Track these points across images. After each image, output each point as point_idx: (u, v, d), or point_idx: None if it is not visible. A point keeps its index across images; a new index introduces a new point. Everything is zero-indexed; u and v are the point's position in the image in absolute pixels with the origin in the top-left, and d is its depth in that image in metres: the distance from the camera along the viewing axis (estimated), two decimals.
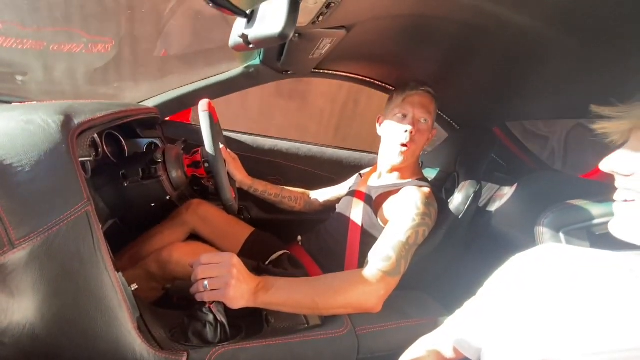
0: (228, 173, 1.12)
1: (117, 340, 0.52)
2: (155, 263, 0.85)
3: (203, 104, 0.87)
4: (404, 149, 0.94)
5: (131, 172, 0.82)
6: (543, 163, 1.38)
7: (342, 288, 0.70)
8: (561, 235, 0.77)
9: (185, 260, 0.84)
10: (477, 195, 1.03)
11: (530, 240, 0.82)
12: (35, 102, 0.91)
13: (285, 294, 0.67)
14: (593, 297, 0.40)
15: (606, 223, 0.73)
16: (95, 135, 0.81)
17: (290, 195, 1.23)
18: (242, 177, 1.13)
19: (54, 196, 0.52)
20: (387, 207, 0.93)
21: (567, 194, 0.91)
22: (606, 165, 0.41)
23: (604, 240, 0.74)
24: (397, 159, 0.96)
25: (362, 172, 1.18)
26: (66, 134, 0.58)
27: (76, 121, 0.61)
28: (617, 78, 0.74)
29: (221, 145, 1.10)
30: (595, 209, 0.75)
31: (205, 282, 0.61)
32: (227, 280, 0.60)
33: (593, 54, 0.69)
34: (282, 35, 0.50)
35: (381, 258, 0.75)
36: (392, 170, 1.02)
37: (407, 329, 0.75)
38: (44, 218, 0.50)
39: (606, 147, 0.45)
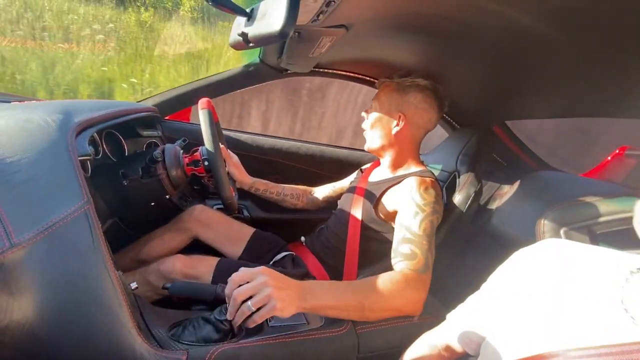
0: (228, 173, 1.12)
1: (117, 339, 0.52)
2: (156, 273, 0.84)
3: (202, 102, 0.87)
4: (364, 133, 1.05)
5: (131, 171, 0.82)
6: (543, 162, 1.38)
7: (385, 291, 0.68)
8: (562, 233, 0.77)
9: (187, 273, 0.84)
10: (478, 194, 1.03)
11: (531, 239, 0.82)
12: (34, 101, 0.91)
13: (333, 296, 0.65)
14: (591, 294, 0.40)
15: (607, 222, 0.73)
16: (95, 134, 0.81)
17: (292, 193, 1.22)
18: (242, 176, 1.13)
19: (53, 195, 0.52)
20: (389, 199, 0.93)
21: (567, 192, 0.91)
22: None
23: (604, 238, 0.74)
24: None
25: (363, 167, 1.18)
26: (65, 132, 0.58)
27: (75, 120, 0.61)
28: (618, 77, 0.73)
29: (221, 146, 1.10)
30: (596, 207, 0.75)
31: (249, 303, 0.57)
32: (269, 294, 0.56)
33: (594, 53, 0.68)
34: (282, 34, 0.50)
35: (407, 257, 0.74)
36: (385, 159, 1.03)
37: (407, 327, 0.74)
38: (43, 217, 0.50)
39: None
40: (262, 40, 0.57)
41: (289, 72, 1.18)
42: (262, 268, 0.61)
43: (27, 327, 0.47)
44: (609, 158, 1.88)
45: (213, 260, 0.90)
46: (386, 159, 1.02)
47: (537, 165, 1.37)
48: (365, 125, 1.04)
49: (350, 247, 0.93)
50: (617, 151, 1.86)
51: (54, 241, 0.49)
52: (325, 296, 0.64)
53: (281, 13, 0.49)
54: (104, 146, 0.87)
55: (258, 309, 0.57)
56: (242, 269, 0.61)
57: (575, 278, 0.43)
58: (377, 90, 1.06)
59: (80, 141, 0.62)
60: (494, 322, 0.50)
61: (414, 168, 0.99)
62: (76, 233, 0.51)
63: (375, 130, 1.01)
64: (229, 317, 0.59)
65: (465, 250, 1.16)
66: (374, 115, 1.01)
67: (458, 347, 0.56)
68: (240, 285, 0.59)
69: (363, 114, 1.05)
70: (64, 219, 0.50)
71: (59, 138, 0.57)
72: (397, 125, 0.97)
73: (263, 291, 0.57)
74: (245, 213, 1.35)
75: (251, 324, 0.57)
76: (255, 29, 0.56)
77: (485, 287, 0.55)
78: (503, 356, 0.45)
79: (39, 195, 0.51)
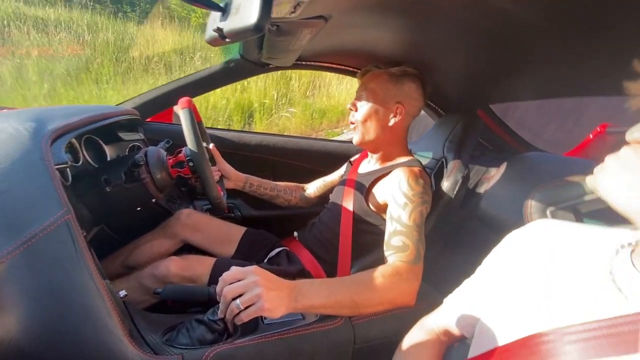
0: (222, 175, 1.10)
1: (107, 349, 0.51)
2: (151, 277, 0.83)
3: (182, 102, 0.86)
4: (352, 126, 1.00)
5: (113, 176, 0.80)
6: (528, 143, 1.40)
7: (377, 286, 0.69)
8: (548, 214, 0.79)
9: (183, 275, 0.83)
10: (466, 179, 1.04)
11: (519, 220, 0.83)
12: (5, 110, 0.87)
13: (325, 295, 0.65)
14: (581, 271, 0.40)
15: (591, 200, 0.74)
16: (74, 141, 0.78)
17: (286, 189, 1.22)
18: (236, 175, 1.12)
19: (30, 207, 0.50)
20: (379, 191, 0.93)
21: (553, 173, 0.92)
22: (632, 136, 0.37)
23: (589, 216, 0.76)
24: (353, 138, 1.00)
25: (351, 159, 1.17)
26: (39, 141, 0.56)
27: (49, 127, 0.59)
28: (600, 56, 0.74)
29: (211, 145, 1.09)
30: (580, 187, 0.76)
31: (237, 302, 0.57)
32: (258, 293, 0.57)
33: (575, 33, 0.69)
34: (257, 28, 0.48)
35: (399, 249, 0.75)
36: (376, 152, 1.02)
37: (402, 315, 0.75)
38: (21, 230, 0.48)
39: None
40: (238, 35, 0.55)
41: (270, 66, 1.16)
42: (254, 267, 0.61)
43: (12, 343, 0.46)
44: (591, 136, 1.91)
45: (209, 260, 0.89)
46: (377, 152, 1.01)
47: (522, 147, 1.38)
48: (357, 117, 0.97)
49: (343, 240, 0.93)
50: (598, 129, 1.90)
51: (34, 254, 0.48)
52: (316, 296, 0.64)
53: (255, 6, 0.47)
54: (84, 152, 0.85)
55: (246, 307, 0.57)
56: (234, 268, 0.61)
57: (565, 256, 0.44)
58: (362, 79, 1.01)
59: (55, 149, 0.60)
60: (488, 303, 0.50)
61: (403, 158, 0.99)
62: (57, 244, 0.50)
63: (370, 123, 0.96)
64: (219, 314, 0.60)
65: (455, 235, 1.17)
66: (368, 106, 0.96)
67: (455, 330, 0.57)
68: (231, 284, 0.59)
69: (349, 106, 1.00)
70: (43, 230, 0.49)
71: (33, 147, 0.55)
72: (395, 116, 0.95)
73: (253, 290, 0.57)
74: (237, 212, 1.33)
75: (238, 321, 0.58)
76: (230, 24, 0.54)
77: (480, 270, 0.56)
78: (497, 336, 0.46)
79: (16, 208, 0.49)
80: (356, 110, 0.98)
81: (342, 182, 1.07)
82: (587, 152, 1.90)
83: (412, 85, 0.96)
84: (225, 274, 0.60)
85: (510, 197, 0.95)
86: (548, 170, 0.96)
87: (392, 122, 0.95)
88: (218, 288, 0.60)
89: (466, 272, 0.60)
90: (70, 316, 0.49)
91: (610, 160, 0.39)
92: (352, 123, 1.00)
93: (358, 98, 0.99)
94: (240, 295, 0.58)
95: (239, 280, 0.59)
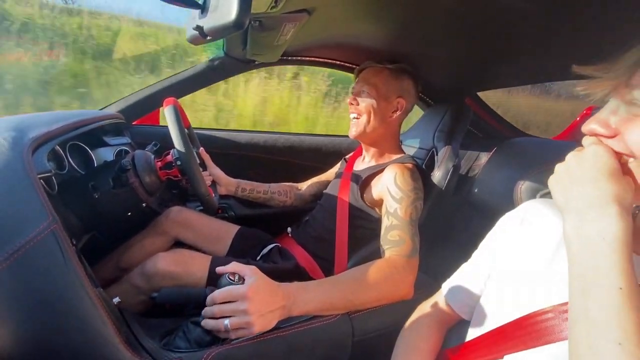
0: (213, 180, 1.09)
1: (105, 358, 0.50)
2: (140, 276, 0.81)
3: (167, 102, 0.84)
4: (352, 120, 1.01)
5: (101, 182, 0.79)
6: (516, 129, 1.41)
7: (372, 282, 0.69)
8: (538, 197, 0.80)
9: (171, 270, 0.82)
10: (457, 168, 1.05)
11: (510, 205, 0.83)
12: None
13: (319, 300, 0.65)
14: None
15: None
16: (58, 148, 0.77)
17: (279, 190, 1.21)
18: (226, 180, 1.11)
19: (15, 219, 0.49)
20: (374, 188, 0.94)
21: (541, 156, 0.93)
22: (588, 127, 0.38)
23: None
24: (352, 130, 1.01)
25: (346, 157, 1.17)
26: (20, 150, 0.54)
27: (30, 135, 0.58)
28: (583, 43, 0.75)
29: (201, 149, 1.07)
30: None
31: (226, 322, 0.57)
32: (247, 320, 0.57)
33: (559, 22, 0.69)
34: (237, 24, 0.47)
35: (395, 243, 0.76)
36: (372, 147, 1.03)
37: (400, 305, 0.75)
38: (7, 243, 0.47)
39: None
40: (219, 33, 0.54)
41: (256, 63, 1.15)
42: (247, 289, 0.58)
43: (5, 358, 0.45)
44: (578, 119, 1.94)
45: (204, 259, 0.87)
46: (373, 146, 1.02)
47: (510, 133, 1.39)
48: (359, 110, 0.98)
49: (339, 235, 0.93)
50: (584, 112, 1.92)
51: (22, 266, 0.47)
52: (311, 303, 0.65)
53: (234, 2, 0.46)
54: (69, 159, 0.83)
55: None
56: (226, 288, 0.59)
57: (558, 234, 0.44)
58: (361, 75, 1.02)
59: (37, 158, 0.59)
60: (486, 286, 0.51)
61: (396, 155, 1.01)
62: (45, 255, 0.49)
63: (371, 117, 0.98)
64: (206, 327, 0.59)
65: (449, 223, 1.18)
66: (370, 100, 0.97)
67: (454, 314, 0.58)
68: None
69: (350, 100, 1.00)
70: (29, 242, 0.48)
71: (14, 157, 0.53)
72: (396, 111, 0.98)
73: (242, 318, 0.57)
74: (230, 212, 1.32)
75: (223, 336, 0.59)
76: (210, 21, 0.53)
77: (476, 254, 0.57)
78: (495, 317, 0.46)
79: (0, 221, 0.48)
80: (357, 105, 0.99)
81: (337, 179, 1.07)
82: (575, 135, 1.93)
83: (410, 82, 1.00)
84: (217, 293, 0.59)
85: (501, 183, 0.96)
86: (536, 154, 0.97)
87: (393, 115, 0.99)
88: (209, 304, 0.59)
89: (461, 258, 0.60)
90: (64, 328, 0.48)
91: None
92: (357, 118, 1.00)
93: (358, 93, 1.00)
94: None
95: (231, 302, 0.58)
